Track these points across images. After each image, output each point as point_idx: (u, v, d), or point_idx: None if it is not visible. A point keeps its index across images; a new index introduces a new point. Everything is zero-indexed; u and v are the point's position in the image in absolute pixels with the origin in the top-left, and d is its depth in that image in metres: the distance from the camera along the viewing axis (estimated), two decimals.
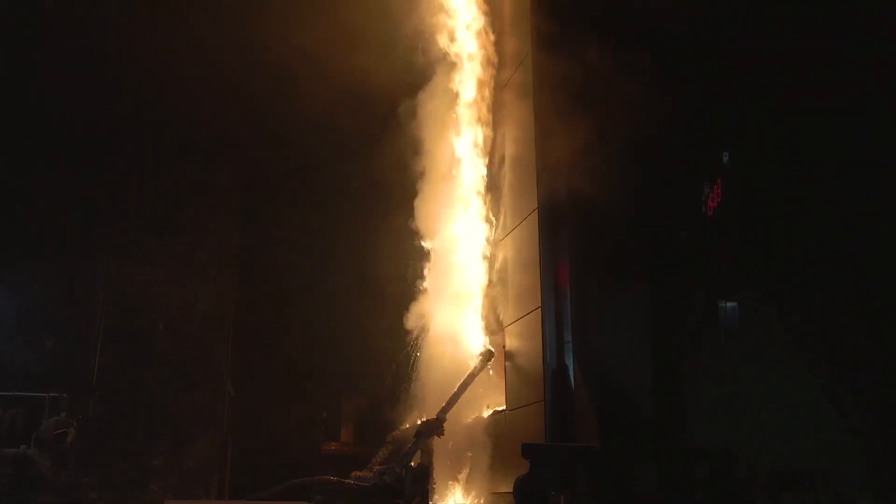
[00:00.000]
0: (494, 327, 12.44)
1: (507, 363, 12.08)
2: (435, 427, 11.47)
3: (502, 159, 12.76)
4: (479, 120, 13.10)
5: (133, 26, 14.24)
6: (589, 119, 10.70)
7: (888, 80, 11.22)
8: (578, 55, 10.90)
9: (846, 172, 11.35)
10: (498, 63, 13.11)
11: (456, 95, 13.08)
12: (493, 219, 12.79)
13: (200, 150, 15.28)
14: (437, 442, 11.49)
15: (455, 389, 11.79)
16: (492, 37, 13.23)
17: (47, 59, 14.38)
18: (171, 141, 15.21)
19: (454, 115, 13.02)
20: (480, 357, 12.19)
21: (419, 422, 11.86)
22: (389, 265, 13.45)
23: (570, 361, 10.65)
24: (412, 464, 11.28)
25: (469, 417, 12.34)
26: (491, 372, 12.42)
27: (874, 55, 11.43)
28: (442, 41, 13.14)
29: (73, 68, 14.36)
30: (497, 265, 12.59)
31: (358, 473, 12.43)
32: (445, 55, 13.14)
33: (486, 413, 12.40)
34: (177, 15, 13.99)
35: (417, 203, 12.96)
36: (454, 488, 12.07)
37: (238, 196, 15.38)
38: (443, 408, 11.63)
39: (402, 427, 12.94)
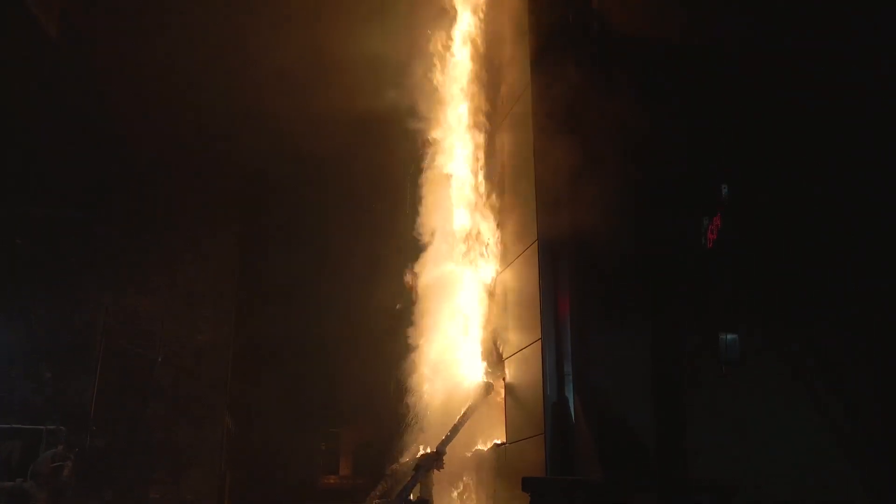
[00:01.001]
0: (494, 359, 12.39)
1: (506, 396, 12.01)
2: (434, 460, 11.38)
3: (501, 190, 12.79)
4: (476, 150, 13.14)
5: (128, 62, 14.39)
6: (588, 151, 10.76)
7: (890, 108, 11.33)
8: (577, 89, 10.99)
9: (847, 203, 11.39)
10: (496, 94, 13.18)
11: (452, 126, 13.14)
12: (492, 251, 12.78)
13: (200, 184, 15.34)
14: (436, 475, 11.39)
15: (455, 422, 11.72)
16: (489, 68, 13.32)
17: (49, 95, 14.48)
18: (170, 175, 15.27)
19: (451, 146, 13.06)
20: (480, 389, 12.13)
21: (418, 455, 11.77)
22: (389, 298, 13.43)
23: (570, 394, 10.59)
24: (412, 497, 11.18)
25: (469, 450, 12.25)
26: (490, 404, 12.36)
27: (875, 83, 11.54)
28: (438, 75, 13.24)
29: (74, 103, 14.47)
30: (496, 297, 12.57)
31: None
32: (442, 85, 13.24)
33: (487, 446, 12.31)
34: (174, 53, 14.15)
35: (415, 235, 12.97)
36: None
37: (238, 229, 15.41)
38: (442, 441, 11.55)
39: (402, 460, 12.83)
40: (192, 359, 14.63)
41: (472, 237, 12.80)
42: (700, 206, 11.45)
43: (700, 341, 11.11)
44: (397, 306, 13.19)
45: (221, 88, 14.28)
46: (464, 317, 12.61)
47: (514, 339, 11.87)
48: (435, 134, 13.15)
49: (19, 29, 13.81)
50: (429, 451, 11.54)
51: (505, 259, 12.41)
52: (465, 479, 12.12)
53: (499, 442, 12.06)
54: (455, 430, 11.66)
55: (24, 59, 13.79)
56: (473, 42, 13.30)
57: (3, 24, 13.44)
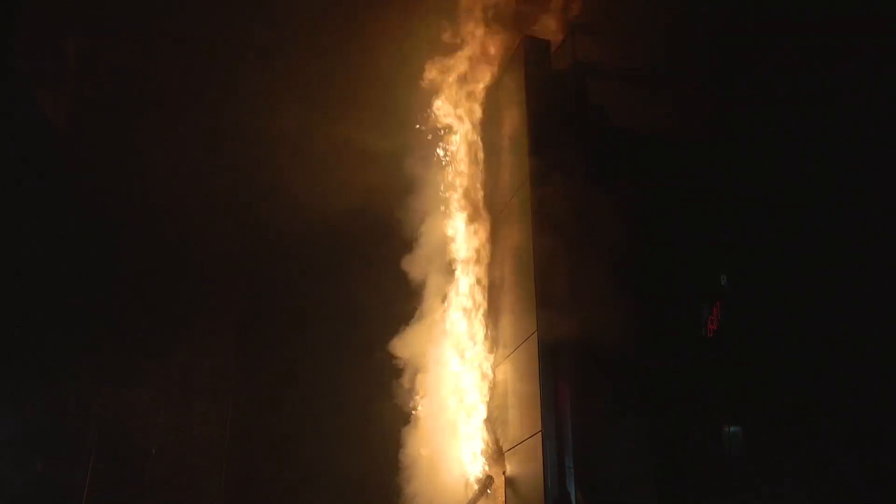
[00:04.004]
0: (494, 452, 12.20)
1: (507, 489, 11.79)
2: None
3: (501, 279, 12.82)
4: (475, 240, 13.23)
5: (128, 147, 14.68)
6: (586, 243, 10.86)
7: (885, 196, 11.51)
8: (575, 180, 11.17)
9: (848, 291, 11.46)
10: (495, 184, 13.35)
11: (451, 219, 13.26)
12: (491, 341, 12.73)
13: (197, 273, 15.43)
14: None
15: None
16: (489, 159, 13.53)
17: (52, 184, 14.68)
18: (166, 263, 15.37)
19: (450, 237, 13.17)
20: (480, 483, 11.92)
21: None
22: (387, 389, 13.33)
23: (571, 488, 10.43)
24: None
25: None
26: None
27: (868, 165, 11.76)
28: (437, 165, 13.47)
29: (75, 193, 14.68)
30: (496, 388, 12.47)
31: None
32: (441, 180, 13.43)
33: None
34: (176, 140, 14.44)
35: (415, 325, 12.96)
36: None
37: (235, 320, 15.46)
38: None
39: None
40: (187, 451, 14.44)
41: (472, 328, 12.77)
42: (699, 296, 11.52)
43: (703, 434, 11.04)
44: (405, 393, 13.08)
45: (222, 186, 14.52)
46: (464, 409, 12.47)
47: (514, 431, 11.72)
48: (433, 222, 13.26)
49: (26, 123, 14.12)
50: None
51: (504, 350, 12.35)
52: None
53: None
54: None
55: (29, 152, 14.04)
56: (473, 134, 13.53)
57: (10, 117, 13.73)
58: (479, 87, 13.53)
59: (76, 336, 14.61)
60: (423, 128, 13.55)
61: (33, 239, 14.34)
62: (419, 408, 12.81)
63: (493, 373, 12.54)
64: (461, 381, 12.59)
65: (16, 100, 13.71)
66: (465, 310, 12.83)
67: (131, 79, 15.07)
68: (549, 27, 13.21)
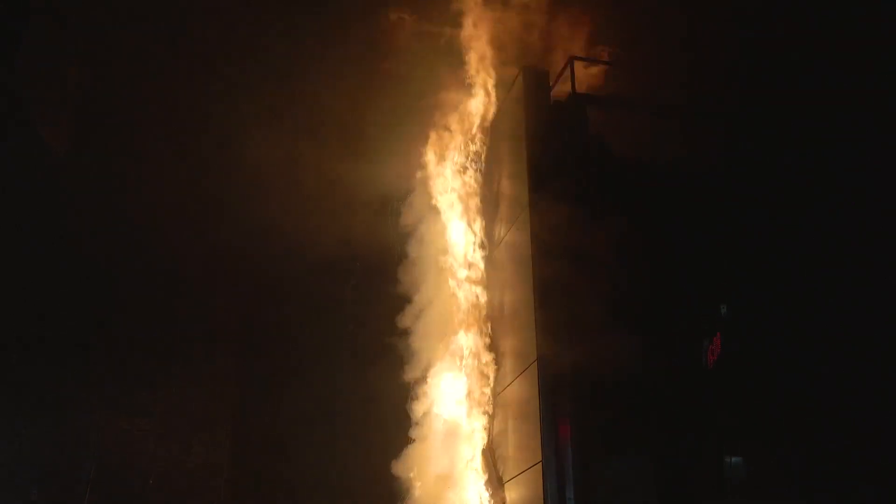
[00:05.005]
0: (494, 482, 12.12)
1: None
2: None
3: (500, 311, 12.80)
4: (472, 273, 13.21)
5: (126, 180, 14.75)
6: (586, 273, 10.85)
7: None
8: (575, 211, 11.18)
9: (847, 317, 11.47)
10: (495, 214, 13.36)
11: (449, 249, 13.26)
12: (491, 371, 12.68)
13: (196, 303, 15.43)
14: None
15: None
16: (489, 190, 13.55)
17: (51, 215, 14.71)
18: (171, 299, 15.37)
19: (449, 269, 13.15)
20: None
21: None
22: (387, 419, 13.27)
23: None
24: None
25: None
26: None
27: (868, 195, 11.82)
28: (437, 197, 13.50)
29: (74, 225, 14.72)
30: (496, 417, 12.40)
31: None
32: (440, 208, 13.46)
33: None
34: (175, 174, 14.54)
35: (416, 355, 12.91)
36: None
37: (232, 351, 15.44)
38: None
39: None
40: (185, 480, 14.33)
41: (473, 357, 12.73)
42: (700, 326, 11.50)
43: (705, 464, 10.97)
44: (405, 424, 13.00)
45: (225, 221, 14.56)
46: (463, 439, 12.39)
47: (514, 461, 11.65)
48: (434, 259, 13.27)
49: (27, 148, 14.16)
50: None
51: (505, 380, 12.30)
52: None
53: None
54: None
55: (29, 178, 14.07)
56: (473, 165, 13.56)
57: (12, 142, 13.77)
58: (479, 118, 13.59)
59: (74, 367, 14.58)
60: (421, 161, 13.59)
61: (31, 270, 14.35)
62: (418, 438, 12.74)
63: (493, 402, 12.49)
64: (462, 411, 12.53)
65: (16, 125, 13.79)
66: (465, 337, 12.83)
67: (130, 113, 15.18)
68: (549, 58, 13.29)
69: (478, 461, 12.30)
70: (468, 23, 13.58)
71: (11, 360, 14.20)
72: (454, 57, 13.45)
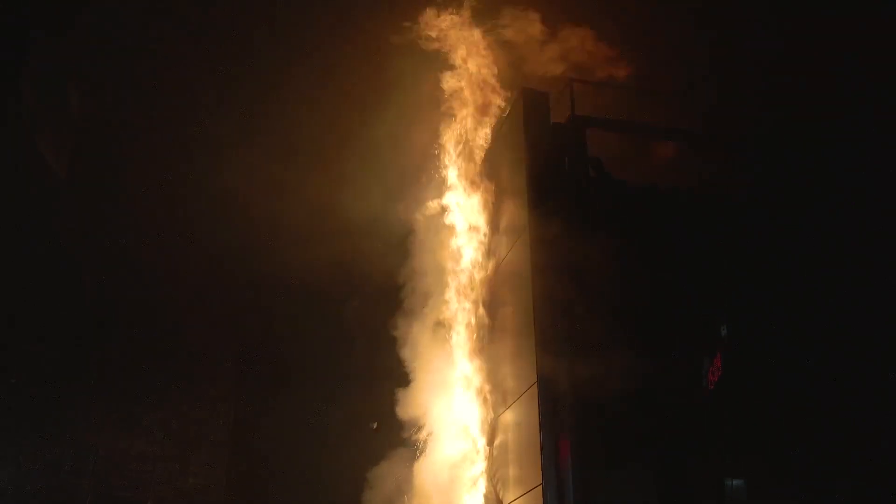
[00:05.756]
0: None
1: None
2: None
3: (500, 331, 12.78)
4: (473, 292, 13.21)
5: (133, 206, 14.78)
6: (586, 293, 10.84)
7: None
8: (574, 231, 11.18)
9: (849, 336, 11.45)
10: (493, 237, 13.36)
11: (450, 269, 13.26)
12: (491, 392, 12.65)
13: (195, 324, 15.42)
14: None
15: None
16: (487, 210, 13.56)
17: (51, 233, 14.74)
18: (168, 317, 15.36)
19: (448, 290, 13.15)
20: None
21: None
22: (385, 441, 13.23)
23: None
24: None
25: None
26: None
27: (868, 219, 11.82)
28: (435, 217, 13.52)
29: (74, 243, 14.74)
30: (496, 439, 12.35)
31: None
32: (441, 231, 13.46)
33: None
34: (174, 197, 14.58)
35: (415, 377, 12.89)
36: None
37: (231, 371, 15.42)
38: None
39: None
40: (184, 501, 14.27)
41: (472, 379, 12.70)
42: (700, 346, 11.47)
43: (706, 486, 10.91)
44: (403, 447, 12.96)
45: (223, 238, 14.59)
46: (463, 461, 12.34)
47: (514, 484, 11.59)
48: (431, 279, 13.27)
49: (28, 168, 14.21)
50: None
51: (504, 401, 12.25)
52: None
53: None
54: None
55: (29, 197, 14.11)
56: (472, 185, 13.58)
57: (13, 163, 13.82)
58: (478, 140, 13.63)
59: (72, 387, 14.55)
60: (419, 184, 13.63)
61: (29, 292, 14.36)
62: (416, 461, 12.69)
63: (493, 424, 12.44)
64: (461, 434, 12.48)
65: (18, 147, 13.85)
66: (464, 359, 12.80)
67: (130, 134, 15.26)
68: (548, 79, 13.34)
69: (478, 484, 12.25)
70: (468, 43, 13.66)
71: (8, 382, 14.19)
72: (454, 78, 13.52)
